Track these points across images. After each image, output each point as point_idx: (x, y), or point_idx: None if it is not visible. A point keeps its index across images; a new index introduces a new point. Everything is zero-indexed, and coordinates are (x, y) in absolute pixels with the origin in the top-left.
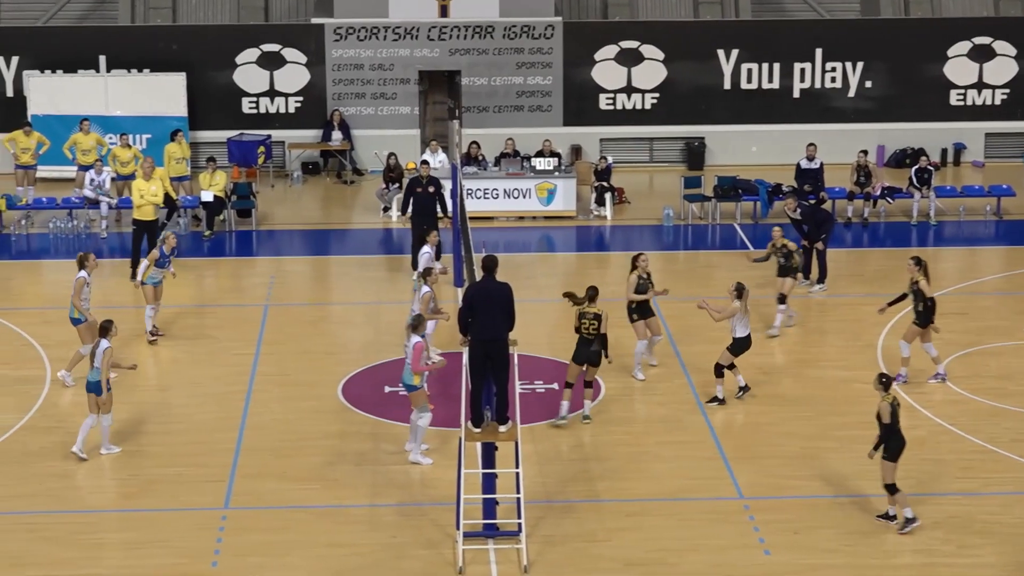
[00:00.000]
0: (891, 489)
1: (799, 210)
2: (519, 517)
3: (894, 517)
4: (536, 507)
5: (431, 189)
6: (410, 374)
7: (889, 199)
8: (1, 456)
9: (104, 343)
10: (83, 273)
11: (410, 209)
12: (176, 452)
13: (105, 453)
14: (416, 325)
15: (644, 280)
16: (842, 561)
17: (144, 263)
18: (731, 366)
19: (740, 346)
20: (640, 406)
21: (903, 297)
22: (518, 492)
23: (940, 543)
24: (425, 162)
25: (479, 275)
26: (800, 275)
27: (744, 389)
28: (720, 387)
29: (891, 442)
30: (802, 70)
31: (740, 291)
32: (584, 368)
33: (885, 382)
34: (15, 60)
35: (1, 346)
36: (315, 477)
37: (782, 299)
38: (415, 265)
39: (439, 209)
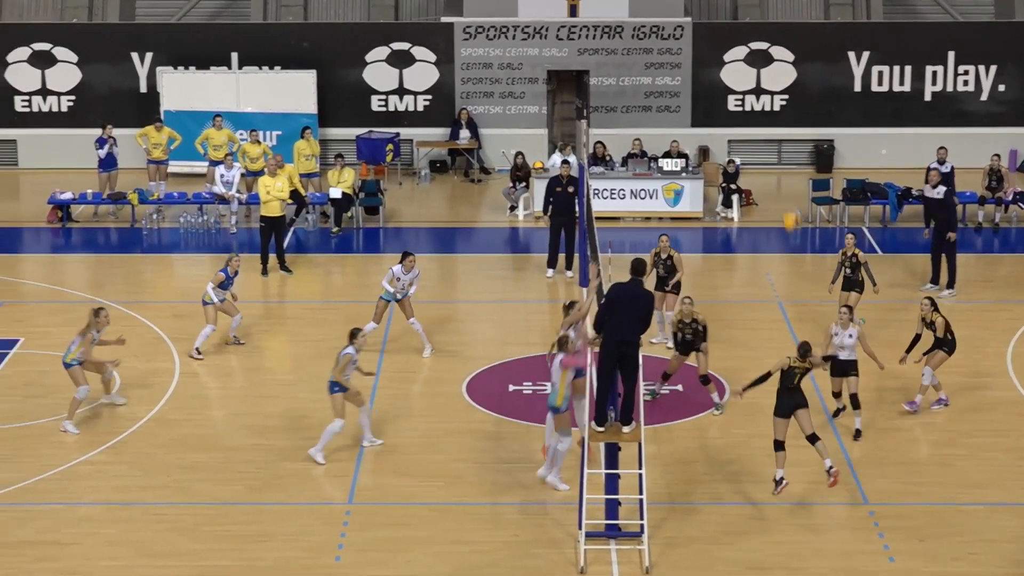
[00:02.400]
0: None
1: (940, 187)
2: (641, 518)
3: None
4: (659, 508)
5: (571, 189)
6: (555, 396)
7: (1021, 204)
8: (130, 447)
9: (349, 348)
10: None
11: (550, 208)
12: (301, 447)
13: (368, 445)
14: (563, 342)
15: (659, 260)
16: (967, 570)
17: (209, 284)
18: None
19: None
20: (765, 410)
21: (917, 339)
22: (641, 493)
23: None
24: (566, 162)
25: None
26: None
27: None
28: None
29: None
30: (934, 73)
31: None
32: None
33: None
34: (149, 56)
35: (132, 339)
36: (438, 474)
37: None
38: (552, 263)
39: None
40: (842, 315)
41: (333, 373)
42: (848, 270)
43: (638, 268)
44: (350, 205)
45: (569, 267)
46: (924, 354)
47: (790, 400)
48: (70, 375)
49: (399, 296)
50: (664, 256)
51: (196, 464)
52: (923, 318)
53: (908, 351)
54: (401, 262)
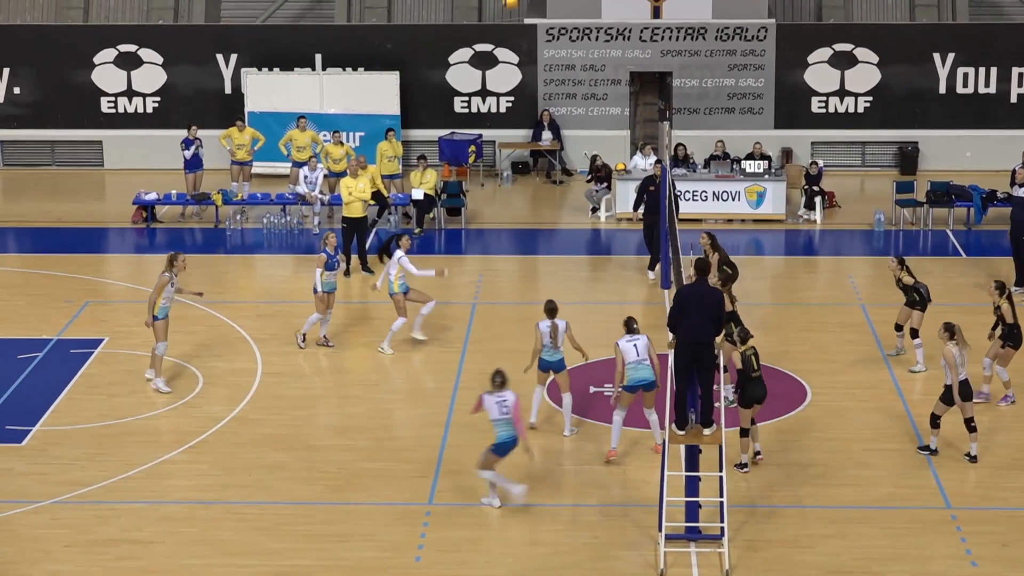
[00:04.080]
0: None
1: None
2: (721, 521)
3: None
4: (739, 511)
5: (652, 188)
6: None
7: None
8: (213, 446)
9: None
10: (167, 273)
11: (642, 207)
12: (383, 447)
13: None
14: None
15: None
16: None
17: (317, 271)
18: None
19: (965, 390)
20: (846, 412)
21: (998, 324)
22: (721, 496)
23: None
24: (659, 161)
25: (686, 277)
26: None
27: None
28: (934, 438)
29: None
30: (1020, 74)
31: (951, 331)
32: None
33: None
34: (234, 57)
35: (214, 339)
36: (518, 475)
37: (914, 334)
38: (653, 266)
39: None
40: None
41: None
42: (903, 290)
43: (702, 268)
44: (432, 206)
45: (652, 268)
46: (991, 338)
47: (760, 389)
48: (154, 330)
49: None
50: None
51: (278, 464)
52: (993, 303)
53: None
54: (398, 247)
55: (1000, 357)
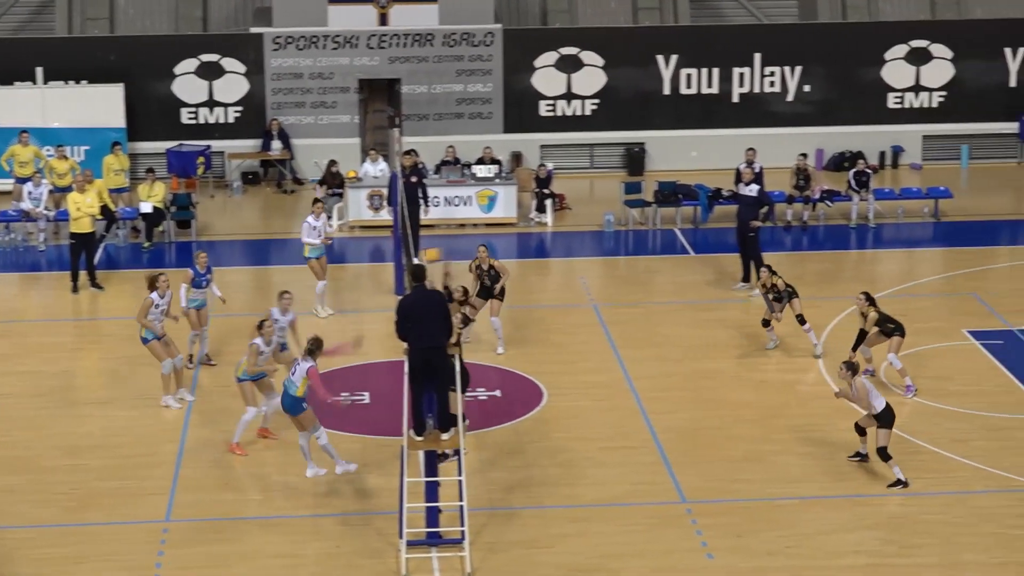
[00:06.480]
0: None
1: (753, 184)
2: (462, 525)
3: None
4: (479, 514)
5: (413, 179)
6: (291, 398)
7: (828, 202)
8: None
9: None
10: (153, 294)
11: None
12: (118, 465)
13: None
14: (312, 349)
15: (483, 271)
16: (785, 563)
17: (183, 287)
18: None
19: (889, 415)
20: (583, 412)
21: (862, 335)
22: (461, 500)
23: (882, 544)
24: (409, 152)
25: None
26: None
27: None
28: (897, 468)
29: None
30: (741, 75)
31: (852, 368)
32: None
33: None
34: None
35: None
36: (257, 488)
37: (800, 320)
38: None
39: (421, 199)
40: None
41: (246, 366)
42: (772, 295)
43: (418, 274)
44: (161, 219)
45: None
46: (854, 349)
47: None
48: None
49: (326, 244)
50: (486, 267)
51: (9, 487)
52: (861, 312)
53: (854, 348)
54: (312, 211)
55: (895, 344)
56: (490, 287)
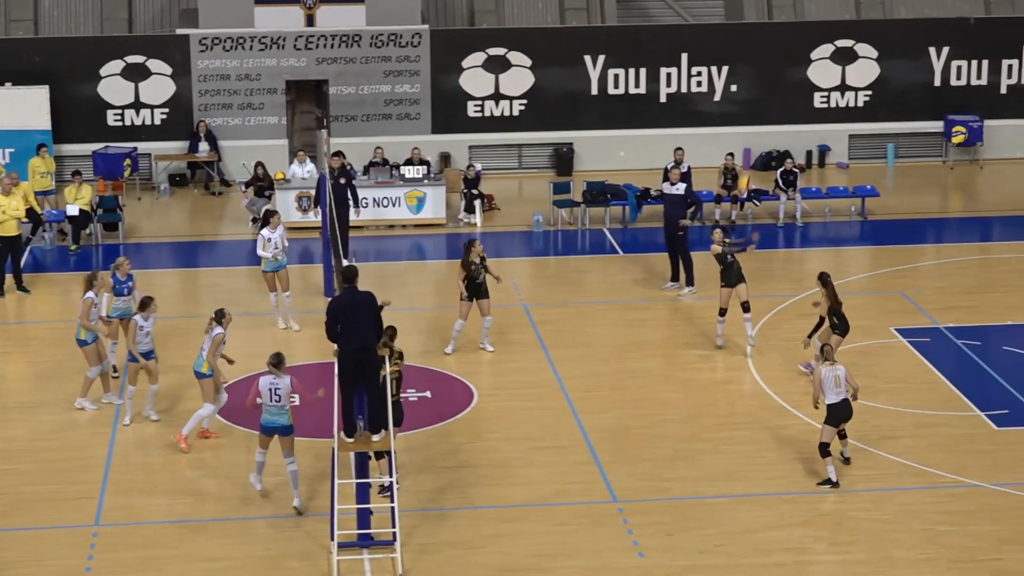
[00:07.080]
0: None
1: (680, 184)
2: (393, 526)
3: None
4: (411, 516)
5: (342, 180)
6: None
7: (756, 201)
8: None
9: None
10: (91, 293)
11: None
12: (47, 470)
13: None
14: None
15: (477, 265)
16: (715, 561)
17: (105, 297)
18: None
19: (835, 414)
20: (513, 412)
21: (821, 322)
22: (392, 501)
23: (812, 541)
24: (337, 154)
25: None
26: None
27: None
28: (831, 467)
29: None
30: (668, 75)
31: (823, 354)
32: None
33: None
34: None
35: None
36: (186, 491)
37: (746, 307)
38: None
39: (351, 201)
40: None
41: (206, 358)
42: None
43: (350, 275)
44: (88, 222)
45: (347, 255)
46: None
47: (398, 414)
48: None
49: (279, 259)
50: (479, 260)
51: None
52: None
53: (809, 336)
54: (267, 224)
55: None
56: (481, 284)
